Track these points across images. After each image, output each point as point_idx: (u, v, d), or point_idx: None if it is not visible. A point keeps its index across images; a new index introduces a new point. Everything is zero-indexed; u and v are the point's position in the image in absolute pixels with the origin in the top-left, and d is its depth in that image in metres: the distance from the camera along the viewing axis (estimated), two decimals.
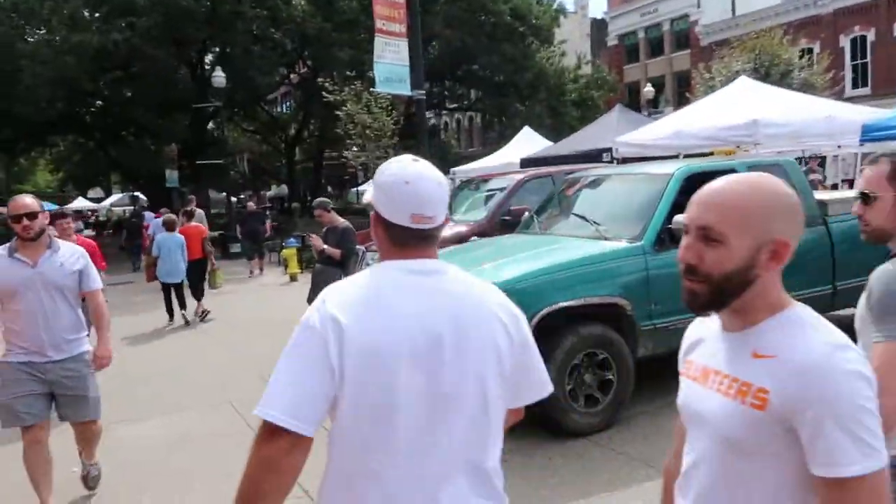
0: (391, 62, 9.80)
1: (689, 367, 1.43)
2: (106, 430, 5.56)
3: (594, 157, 12.74)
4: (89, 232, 28.66)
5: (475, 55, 27.62)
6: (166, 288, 9.99)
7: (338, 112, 16.62)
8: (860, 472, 1.13)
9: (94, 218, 43.36)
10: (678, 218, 5.21)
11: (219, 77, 20.71)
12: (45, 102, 22.54)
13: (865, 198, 1.97)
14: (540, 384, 1.70)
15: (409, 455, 1.49)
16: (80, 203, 48.91)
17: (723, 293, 1.28)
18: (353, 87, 16.28)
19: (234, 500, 1.44)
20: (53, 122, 26.77)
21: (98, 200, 51.25)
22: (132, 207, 30.73)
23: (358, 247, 7.57)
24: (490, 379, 1.55)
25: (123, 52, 22.61)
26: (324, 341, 1.46)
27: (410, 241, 1.56)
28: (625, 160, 11.25)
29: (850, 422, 1.14)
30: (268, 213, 21.70)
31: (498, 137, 28.59)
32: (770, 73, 18.13)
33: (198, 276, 10.36)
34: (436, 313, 1.52)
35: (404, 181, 1.55)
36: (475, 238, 7.56)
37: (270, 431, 1.42)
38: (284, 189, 39.36)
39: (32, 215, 3.70)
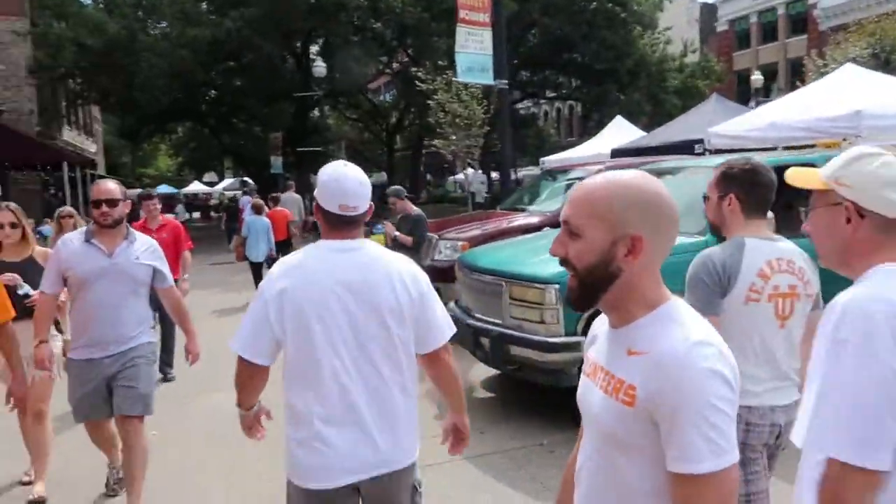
0: (474, 52, 9.83)
1: (587, 362, 1.46)
2: (185, 400, 6.02)
3: (686, 147, 12.29)
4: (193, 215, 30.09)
5: (575, 43, 27.16)
6: (253, 266, 10.58)
7: (429, 101, 16.80)
8: (708, 470, 1.15)
9: (205, 201, 45.95)
10: None
11: (319, 67, 21.46)
12: (162, 92, 24.03)
13: (705, 198, 2.56)
14: (437, 334, 2.27)
15: (340, 378, 2.11)
16: (195, 187, 51.92)
17: (589, 287, 1.30)
18: (444, 76, 16.39)
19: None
20: (171, 111, 28.52)
21: (212, 184, 54.17)
22: (240, 191, 32.33)
23: (430, 234, 7.73)
24: (392, 323, 2.15)
25: (235, 43, 23.78)
26: (266, 304, 2.13)
27: (339, 224, 2.19)
28: (718, 152, 10.81)
29: (700, 420, 1.14)
30: None
31: (596, 126, 28.02)
32: (890, 59, 16.82)
33: (281, 255, 10.94)
34: (346, 276, 2.13)
35: (334, 180, 2.16)
36: (547, 228, 7.55)
37: (239, 359, 2.20)
38: (384, 176, 40.25)
39: (112, 202, 3.56)
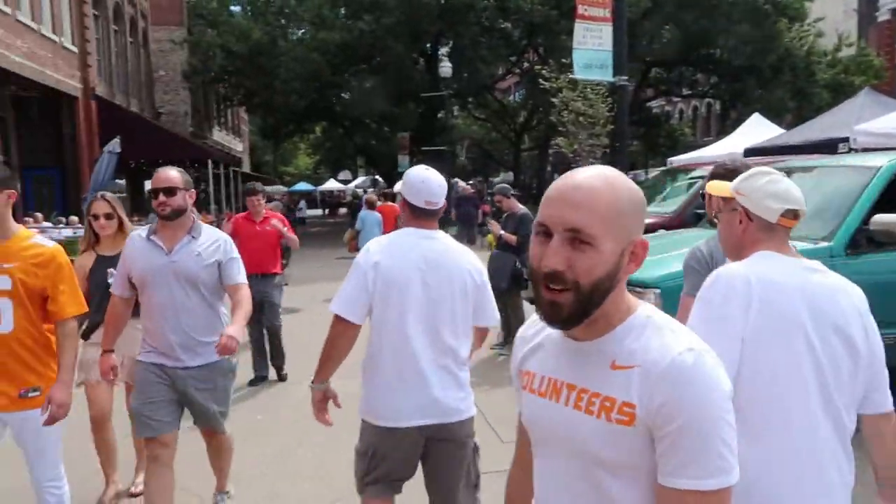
0: (592, 48, 9.56)
1: (530, 379, 1.29)
2: (284, 388, 6.27)
3: (829, 146, 11.32)
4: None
5: (712, 38, 25.79)
6: None
7: (553, 100, 16.53)
8: (714, 487, 1.07)
9: (339, 198, 48.06)
10: (879, 218, 4.51)
11: (445, 67, 21.75)
12: (298, 95, 25.30)
13: (702, 195, 2.94)
14: (490, 315, 2.84)
15: (414, 339, 2.60)
16: (331, 184, 54.35)
17: (589, 303, 1.13)
18: (569, 73, 16.04)
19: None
20: (308, 112, 30.00)
21: (346, 182, 56.44)
22: (371, 189, 33.41)
23: None
24: (458, 298, 2.68)
25: (367, 45, 24.61)
26: (364, 272, 2.62)
27: (422, 215, 2.74)
28: (865, 151, 9.85)
29: (713, 436, 1.08)
30: (486, 198, 22.28)
31: (733, 125, 26.48)
32: None
33: None
34: (427, 258, 2.66)
35: (421, 181, 2.71)
36: (662, 231, 7.21)
37: (335, 318, 2.62)
38: (511, 175, 40.19)
39: (170, 191, 3.14)
